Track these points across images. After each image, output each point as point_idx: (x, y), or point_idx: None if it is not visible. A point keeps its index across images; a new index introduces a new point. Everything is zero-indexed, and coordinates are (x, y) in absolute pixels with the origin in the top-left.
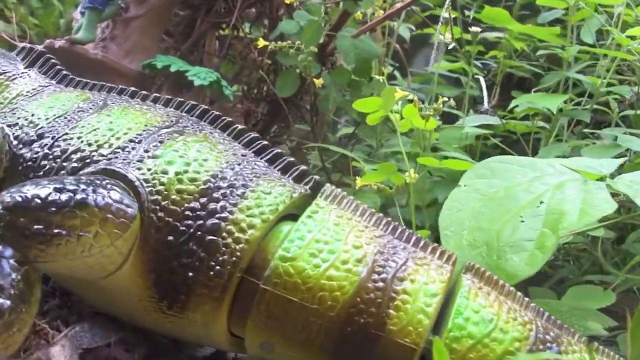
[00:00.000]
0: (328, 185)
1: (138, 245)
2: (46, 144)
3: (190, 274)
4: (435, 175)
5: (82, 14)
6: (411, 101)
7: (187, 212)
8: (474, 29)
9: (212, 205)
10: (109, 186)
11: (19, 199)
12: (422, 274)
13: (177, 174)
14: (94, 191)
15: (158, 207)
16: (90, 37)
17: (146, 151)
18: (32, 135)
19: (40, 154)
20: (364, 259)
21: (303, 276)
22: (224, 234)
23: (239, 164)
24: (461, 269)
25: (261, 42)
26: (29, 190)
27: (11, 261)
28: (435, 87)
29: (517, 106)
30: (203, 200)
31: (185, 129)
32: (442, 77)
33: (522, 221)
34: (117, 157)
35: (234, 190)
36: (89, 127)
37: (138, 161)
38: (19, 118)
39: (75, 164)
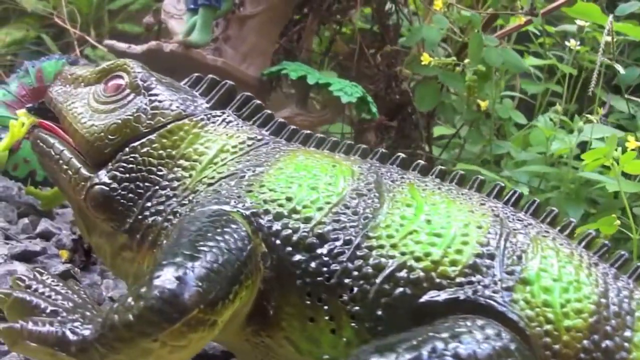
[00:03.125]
0: None
1: None
2: (340, 253)
3: None
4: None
5: (193, 11)
6: None
7: (581, 355)
8: (579, 22)
9: (605, 343)
10: (505, 339)
11: None
12: None
13: (561, 305)
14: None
15: (550, 353)
16: (207, 39)
17: (510, 273)
18: (308, 235)
19: (336, 267)
20: None
21: None
22: None
23: (606, 282)
24: None
25: (426, 58)
26: None
27: None
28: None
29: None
30: (595, 337)
31: (517, 229)
32: None
33: None
34: (471, 282)
35: (619, 319)
36: (397, 227)
37: (506, 289)
38: (265, 201)
39: (403, 289)
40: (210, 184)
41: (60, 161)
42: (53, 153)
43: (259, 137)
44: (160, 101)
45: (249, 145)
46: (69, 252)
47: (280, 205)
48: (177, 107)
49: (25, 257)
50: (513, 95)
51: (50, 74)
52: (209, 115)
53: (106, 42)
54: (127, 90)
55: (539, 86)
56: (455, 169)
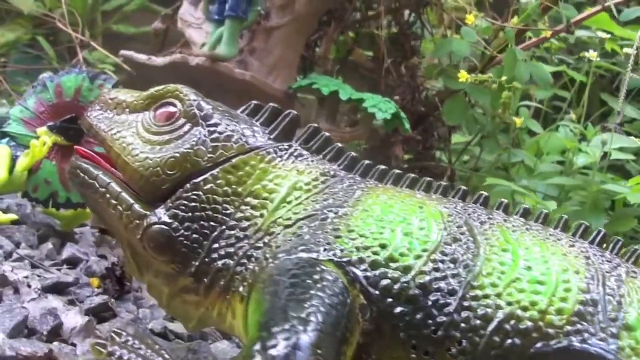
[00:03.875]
0: None
1: None
2: (446, 304)
3: None
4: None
5: (218, 22)
6: None
7: None
8: (601, 34)
9: None
10: None
11: None
12: None
13: None
14: None
15: None
16: (234, 52)
17: (613, 320)
18: (410, 286)
19: (443, 319)
20: None
21: None
22: None
23: None
24: None
25: (463, 76)
26: None
27: None
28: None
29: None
30: None
31: (609, 271)
32: None
33: None
34: (579, 331)
35: None
36: (499, 275)
37: (612, 337)
38: (358, 249)
39: (512, 340)
40: (287, 226)
41: (107, 195)
42: (98, 186)
43: (332, 173)
44: (220, 133)
45: (323, 182)
46: (99, 280)
47: (375, 254)
48: (240, 139)
49: (58, 289)
50: (529, 105)
51: (70, 89)
52: (275, 149)
53: (123, 52)
54: (182, 120)
55: (548, 92)
56: (486, 184)
